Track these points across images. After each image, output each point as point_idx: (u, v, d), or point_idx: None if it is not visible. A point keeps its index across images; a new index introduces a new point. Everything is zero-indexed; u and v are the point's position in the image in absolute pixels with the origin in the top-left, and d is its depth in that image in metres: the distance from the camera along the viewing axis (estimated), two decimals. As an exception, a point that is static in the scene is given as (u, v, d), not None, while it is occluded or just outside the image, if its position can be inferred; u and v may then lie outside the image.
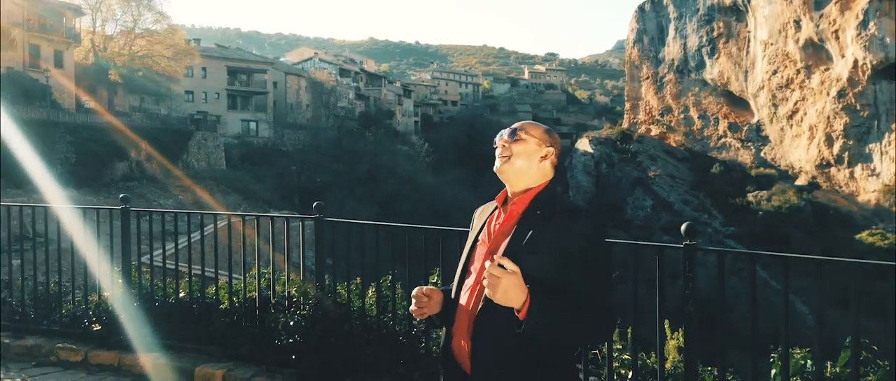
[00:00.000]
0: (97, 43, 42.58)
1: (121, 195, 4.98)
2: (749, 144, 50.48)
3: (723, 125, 52.63)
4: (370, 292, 4.27)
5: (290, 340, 4.18)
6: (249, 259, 4.73)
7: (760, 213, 42.34)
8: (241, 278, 4.80)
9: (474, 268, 2.00)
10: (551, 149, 2.02)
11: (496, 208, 2.05)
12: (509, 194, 2.02)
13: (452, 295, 2.06)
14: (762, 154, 49.21)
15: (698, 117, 54.52)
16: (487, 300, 1.81)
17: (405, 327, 4.00)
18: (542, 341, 1.80)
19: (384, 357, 3.94)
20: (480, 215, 2.14)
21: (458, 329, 1.97)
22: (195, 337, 4.63)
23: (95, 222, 4.93)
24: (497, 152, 2.03)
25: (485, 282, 1.74)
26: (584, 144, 55.33)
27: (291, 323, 4.22)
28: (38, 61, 37.88)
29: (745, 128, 50.68)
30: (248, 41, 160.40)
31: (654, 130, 57.68)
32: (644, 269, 3.04)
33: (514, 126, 2.05)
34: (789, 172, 46.45)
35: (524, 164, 1.98)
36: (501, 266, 1.71)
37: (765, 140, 49.02)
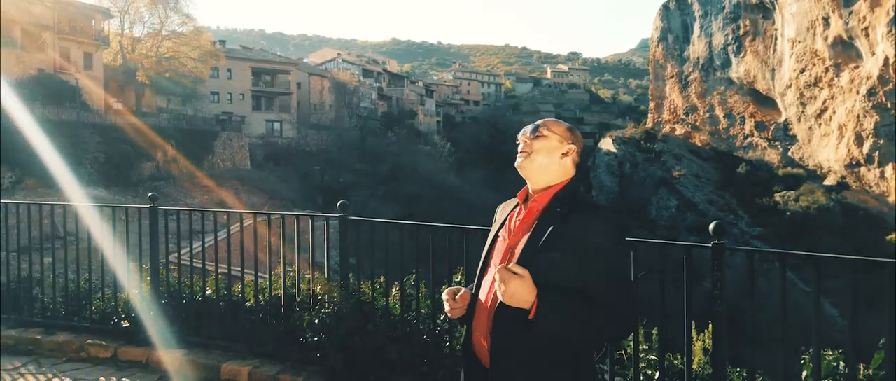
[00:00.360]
0: (125, 45, 43.28)
1: (149, 194, 5.06)
2: (776, 143, 49.69)
3: (749, 124, 51.87)
4: (394, 290, 4.29)
5: (316, 338, 4.21)
6: (274, 258, 4.77)
7: (788, 213, 41.66)
8: (267, 276, 4.84)
9: (493, 263, 2.02)
10: (573, 146, 2.02)
11: (517, 205, 2.07)
12: (530, 191, 2.03)
13: (473, 290, 2.09)
14: (790, 154, 48.40)
15: (724, 116, 53.81)
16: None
17: (429, 325, 4.01)
18: (559, 339, 1.82)
19: (408, 356, 3.95)
20: (502, 210, 2.16)
21: (478, 325, 2.00)
22: (222, 334, 4.68)
23: (125, 220, 5.01)
24: (519, 149, 2.04)
25: (495, 284, 1.80)
26: (607, 144, 54.92)
27: (316, 321, 4.25)
28: (68, 63, 38.61)
29: (772, 127, 49.90)
30: (272, 42, 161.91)
31: (679, 130, 57.05)
32: (668, 269, 3.01)
33: (536, 123, 2.07)
34: (818, 172, 45.60)
35: (545, 160, 1.99)
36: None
37: (792, 139, 48.20)
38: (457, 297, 2.04)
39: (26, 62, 35.61)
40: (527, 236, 1.91)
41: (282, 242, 4.54)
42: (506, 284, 1.77)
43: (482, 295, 2.01)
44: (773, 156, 49.53)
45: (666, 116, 58.67)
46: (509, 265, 1.81)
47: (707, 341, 3.26)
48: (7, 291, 5.48)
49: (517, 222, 2.01)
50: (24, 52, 35.67)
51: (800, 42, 44.97)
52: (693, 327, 3.18)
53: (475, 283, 2.09)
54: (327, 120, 60.19)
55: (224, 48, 56.03)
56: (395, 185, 49.06)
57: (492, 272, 2.00)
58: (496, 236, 2.07)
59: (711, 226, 2.83)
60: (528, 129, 2.05)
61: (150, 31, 44.27)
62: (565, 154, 2.01)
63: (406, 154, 55.81)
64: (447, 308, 2.04)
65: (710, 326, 3.20)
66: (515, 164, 2.03)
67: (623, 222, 1.95)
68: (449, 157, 61.21)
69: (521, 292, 1.76)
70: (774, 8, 47.66)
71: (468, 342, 2.05)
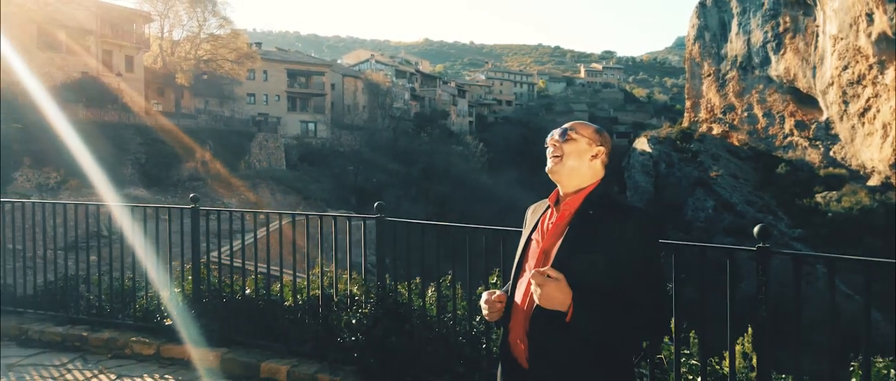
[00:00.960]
0: (165, 48, 44.25)
1: (191, 195, 5.16)
2: (817, 142, 48.47)
3: (789, 123, 50.70)
4: (430, 291, 4.30)
5: (353, 338, 4.24)
6: (311, 258, 4.82)
7: (830, 215, 40.61)
8: (304, 276, 4.90)
9: (528, 267, 2.04)
10: (602, 148, 2.04)
11: (549, 207, 2.08)
12: (561, 194, 2.05)
13: (508, 293, 2.11)
14: (831, 153, 47.17)
15: (763, 115, 52.70)
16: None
17: (465, 327, 4.01)
18: (597, 341, 1.84)
19: (444, 357, 3.96)
20: (533, 213, 2.17)
21: (515, 327, 2.02)
22: (261, 333, 4.75)
23: (167, 220, 5.13)
24: (548, 153, 2.06)
25: (531, 287, 1.84)
26: (642, 144, 54.22)
27: (354, 321, 4.28)
28: (111, 67, 39.64)
29: (813, 126, 48.68)
30: (306, 44, 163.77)
31: (716, 129, 56.04)
32: (708, 272, 2.95)
33: (564, 126, 2.08)
34: (861, 172, 44.31)
35: (575, 163, 2.00)
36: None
37: (834, 139, 46.95)
38: (493, 298, 2.06)
39: (70, 66, 36.65)
40: (560, 239, 1.94)
41: (319, 242, 4.59)
42: (542, 287, 1.80)
43: (518, 297, 2.03)
44: (814, 156, 48.33)
45: (703, 115, 57.69)
46: (544, 268, 1.84)
47: (747, 345, 3.20)
48: (55, 288, 5.65)
49: (550, 225, 2.02)
50: (68, 56, 36.71)
51: (842, 39, 43.77)
52: (734, 331, 3.12)
53: (510, 285, 2.13)
54: (360, 121, 60.67)
55: (260, 50, 56.88)
56: (427, 185, 49.21)
57: (527, 275, 2.01)
58: (529, 239, 2.09)
59: (756, 229, 2.77)
60: (556, 132, 2.07)
61: (189, 34, 45.22)
62: (595, 156, 2.02)
63: (438, 154, 55.92)
64: (485, 312, 2.07)
65: (749, 330, 3.14)
66: (546, 168, 2.06)
67: (657, 222, 1.97)
68: (481, 157, 61.16)
69: (557, 294, 1.79)
70: (816, 4, 46.48)
71: (505, 344, 2.07)
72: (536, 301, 1.83)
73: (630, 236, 1.85)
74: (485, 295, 2.08)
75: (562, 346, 1.85)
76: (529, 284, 1.94)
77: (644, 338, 2.05)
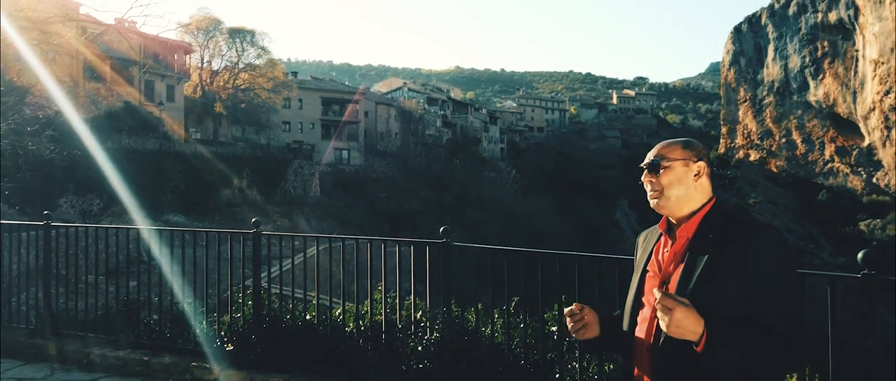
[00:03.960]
0: (204, 78, 45.36)
1: (253, 219, 5.18)
2: (859, 169, 47.43)
3: (829, 149, 49.73)
4: (496, 316, 4.22)
5: (420, 365, 4.17)
6: (371, 283, 4.78)
7: (874, 242, 39.48)
8: (363, 301, 4.86)
9: (647, 300, 1.89)
10: (701, 163, 1.88)
11: (661, 235, 1.94)
12: (673, 221, 1.90)
13: (625, 326, 1.97)
14: (874, 180, 46.06)
15: (802, 141, 51.81)
16: (667, 335, 1.70)
17: (536, 355, 3.91)
18: (731, 373, 1.66)
19: (515, 386, 3.86)
20: (645, 242, 2.03)
21: (640, 363, 1.88)
22: (322, 360, 4.70)
23: (216, 244, 5.14)
24: (647, 189, 1.91)
25: (658, 314, 1.67)
26: (677, 170, 53.54)
27: (420, 348, 4.21)
28: (152, 96, 40.72)
29: (855, 152, 47.67)
30: (340, 73, 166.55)
31: (754, 155, 55.19)
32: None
33: (651, 157, 1.92)
34: (907, 199, 43.13)
35: (681, 191, 1.86)
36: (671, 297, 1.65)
37: (877, 165, 45.89)
38: (575, 309, 1.96)
39: (114, 95, 37.71)
40: (680, 268, 1.78)
41: (383, 267, 4.55)
42: (670, 314, 1.63)
43: (640, 332, 1.89)
44: (856, 182, 47.26)
45: (739, 141, 56.89)
46: (671, 294, 1.68)
47: None
48: (115, 312, 5.69)
49: (666, 254, 1.88)
50: (112, 86, 37.82)
51: (883, 63, 42.98)
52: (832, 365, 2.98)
53: (627, 319, 1.97)
54: (393, 147, 61.14)
55: (295, 79, 57.93)
56: (461, 211, 49.15)
57: (647, 310, 1.88)
58: (644, 270, 1.95)
59: (860, 254, 2.65)
60: (646, 167, 1.91)
61: (228, 64, 46.30)
62: (697, 175, 1.86)
63: (471, 181, 55.95)
64: (569, 325, 1.95)
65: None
66: (651, 205, 1.91)
67: (785, 242, 1.78)
68: (514, 183, 61.00)
69: (687, 321, 1.62)
70: (855, 29, 45.80)
71: (628, 378, 1.93)
72: (664, 330, 1.67)
73: (758, 258, 1.68)
74: (574, 306, 1.97)
75: (694, 378, 1.71)
76: (651, 318, 1.82)
77: (784, 371, 1.85)
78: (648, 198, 1.90)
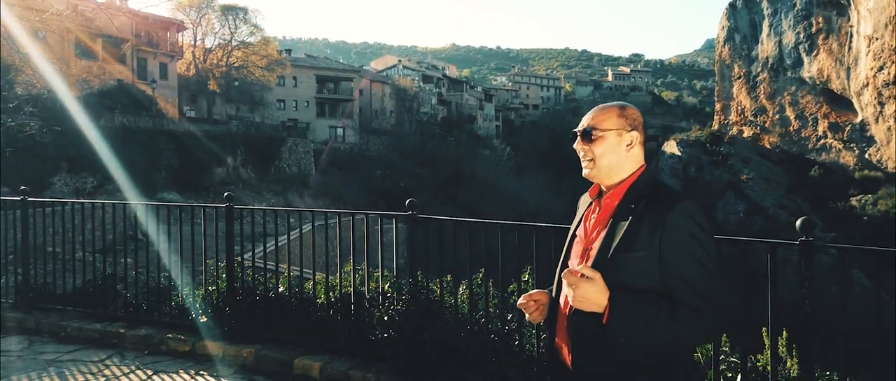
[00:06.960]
0: (197, 55, 45.07)
1: (225, 194, 5.23)
2: (852, 145, 47.42)
3: (822, 126, 49.71)
4: (461, 289, 4.29)
5: (385, 334, 4.25)
6: (342, 257, 4.84)
7: (865, 218, 39.67)
8: (329, 274, 4.92)
9: (571, 264, 1.93)
10: (634, 132, 1.86)
11: (592, 202, 1.96)
12: (603, 187, 1.91)
13: (553, 293, 2.01)
14: (867, 156, 46.11)
15: (795, 117, 51.74)
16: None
17: (497, 324, 3.99)
18: (642, 342, 1.69)
19: (477, 353, 3.94)
20: (582, 203, 2.05)
21: (559, 328, 1.92)
22: (294, 330, 4.79)
23: (202, 220, 5.20)
24: (581, 157, 1.91)
25: (564, 287, 1.73)
26: (671, 147, 53.58)
27: (386, 318, 4.29)
28: (145, 74, 40.48)
29: (848, 128, 47.65)
30: (335, 50, 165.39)
31: (747, 132, 55.19)
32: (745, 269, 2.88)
33: (584, 124, 1.90)
34: (899, 175, 43.26)
35: (612, 159, 1.85)
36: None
37: (870, 141, 45.90)
38: (529, 299, 1.97)
39: (106, 74, 37.47)
40: (602, 236, 1.81)
41: (351, 240, 4.61)
42: (574, 288, 1.70)
43: (561, 298, 1.93)
44: (848, 158, 47.31)
45: (733, 117, 56.86)
46: (578, 267, 1.74)
47: (782, 349, 3.12)
48: (93, 287, 5.76)
49: (592, 221, 1.90)
50: (104, 64, 37.55)
51: (877, 39, 42.81)
52: (771, 329, 3.06)
53: (554, 286, 2.01)
54: (388, 125, 61.01)
55: (290, 57, 57.55)
56: (454, 189, 49.24)
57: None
58: (574, 235, 1.97)
59: (799, 222, 2.71)
60: (579, 134, 1.90)
61: (221, 42, 45.99)
62: (629, 145, 1.86)
63: (466, 159, 55.95)
64: (527, 315, 1.97)
65: (783, 333, 3.06)
66: (583, 174, 1.91)
67: (703, 214, 1.77)
68: (508, 161, 61.02)
69: (591, 295, 1.68)
70: (850, 4, 45.56)
71: (551, 345, 1.97)
72: (571, 302, 1.73)
73: (675, 228, 1.69)
74: (522, 298, 1.98)
75: (602, 348, 1.74)
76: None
77: (695, 341, 1.88)
78: (583, 165, 1.91)
